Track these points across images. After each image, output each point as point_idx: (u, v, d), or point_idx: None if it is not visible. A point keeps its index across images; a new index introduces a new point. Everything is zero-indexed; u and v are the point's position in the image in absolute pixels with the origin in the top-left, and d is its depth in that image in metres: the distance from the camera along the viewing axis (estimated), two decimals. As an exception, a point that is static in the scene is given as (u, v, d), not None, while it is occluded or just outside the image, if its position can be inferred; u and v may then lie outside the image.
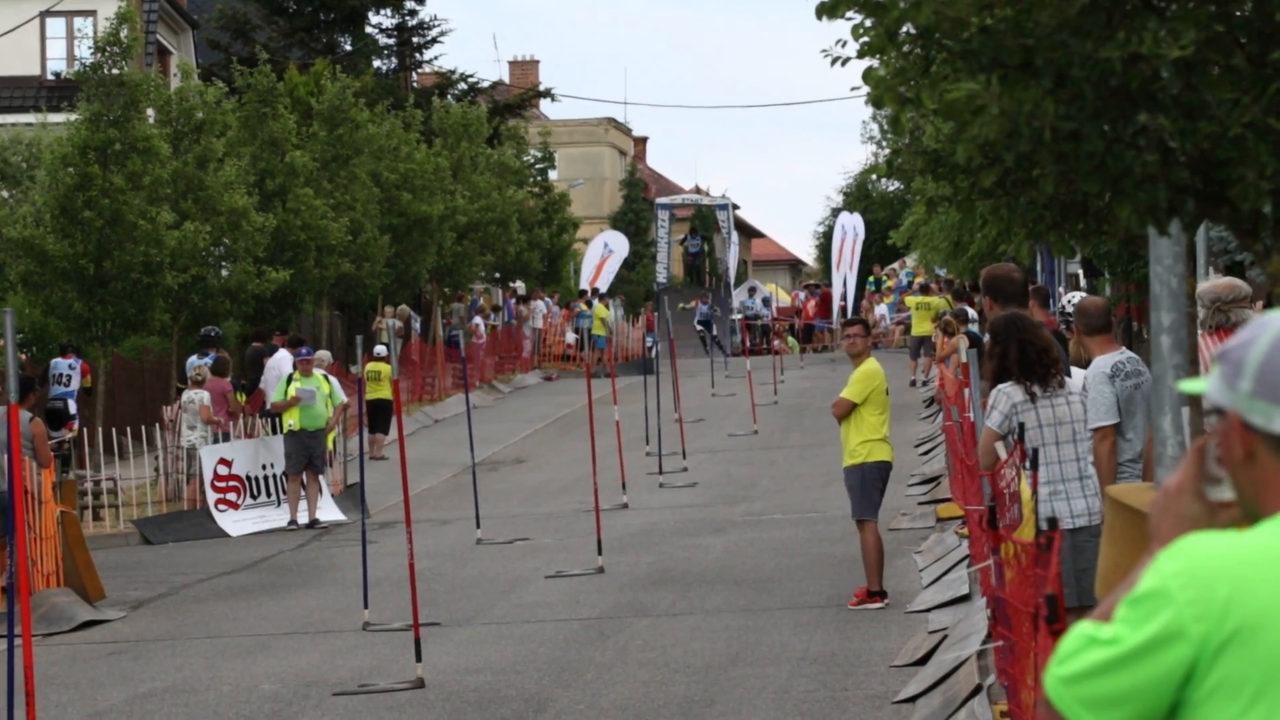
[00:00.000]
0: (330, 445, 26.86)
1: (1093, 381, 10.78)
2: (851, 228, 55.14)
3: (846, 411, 16.00)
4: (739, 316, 59.48)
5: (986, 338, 11.34)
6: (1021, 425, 10.48)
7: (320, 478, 25.98)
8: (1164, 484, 3.26)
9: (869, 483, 15.90)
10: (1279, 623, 3.04)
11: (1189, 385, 3.24)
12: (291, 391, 25.60)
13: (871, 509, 15.86)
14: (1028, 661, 7.94)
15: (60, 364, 29.13)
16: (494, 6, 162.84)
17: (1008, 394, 10.74)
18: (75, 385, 28.94)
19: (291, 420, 25.51)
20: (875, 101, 8.34)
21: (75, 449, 26.32)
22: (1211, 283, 12.08)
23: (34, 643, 14.16)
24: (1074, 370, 11.36)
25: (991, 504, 9.99)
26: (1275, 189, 7.07)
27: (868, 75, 8.34)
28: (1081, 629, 3.14)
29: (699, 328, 56.82)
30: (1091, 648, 3.09)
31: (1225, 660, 3.04)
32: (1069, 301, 20.18)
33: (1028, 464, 9.88)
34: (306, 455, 25.50)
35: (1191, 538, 3.11)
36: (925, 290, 47.83)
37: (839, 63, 8.99)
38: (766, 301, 62.27)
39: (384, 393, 32.18)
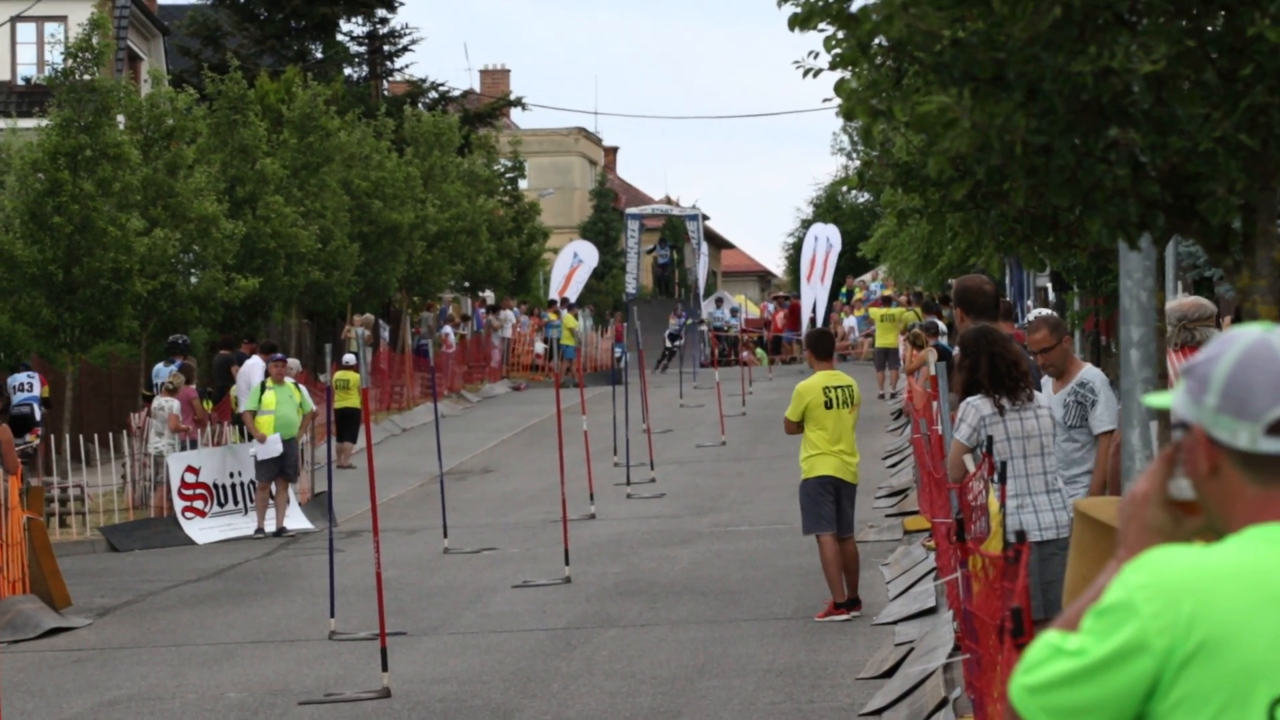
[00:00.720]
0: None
1: (1101, 386, 10.97)
2: (825, 239, 55.01)
3: (790, 430, 16.29)
4: (707, 328, 59.54)
5: (956, 350, 11.37)
6: (990, 438, 10.50)
7: (290, 486, 25.91)
8: (1130, 490, 3.27)
9: (812, 497, 15.98)
10: (1244, 638, 3.05)
11: (1155, 400, 3.26)
12: (268, 401, 25.51)
13: (821, 523, 15.87)
14: (994, 674, 7.95)
15: (18, 376, 29.06)
16: (465, 16, 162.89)
17: (976, 407, 10.77)
18: (36, 392, 28.88)
19: (267, 430, 25.37)
20: (847, 114, 8.34)
21: (36, 457, 26.19)
22: (1178, 301, 12.26)
23: (-2, 650, 14.10)
24: (1043, 384, 11.40)
25: (959, 517, 10.00)
26: (1245, 204, 7.09)
27: (840, 87, 8.35)
28: (1047, 638, 3.15)
29: (667, 342, 56.75)
30: (1057, 658, 3.10)
31: (1190, 675, 3.05)
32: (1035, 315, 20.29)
33: (995, 477, 9.90)
34: (279, 464, 25.42)
35: (1158, 551, 3.12)
36: (888, 302, 47.91)
37: (811, 74, 8.99)
38: (735, 312, 62.27)
39: (352, 401, 32.12)
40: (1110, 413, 10.85)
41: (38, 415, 28.02)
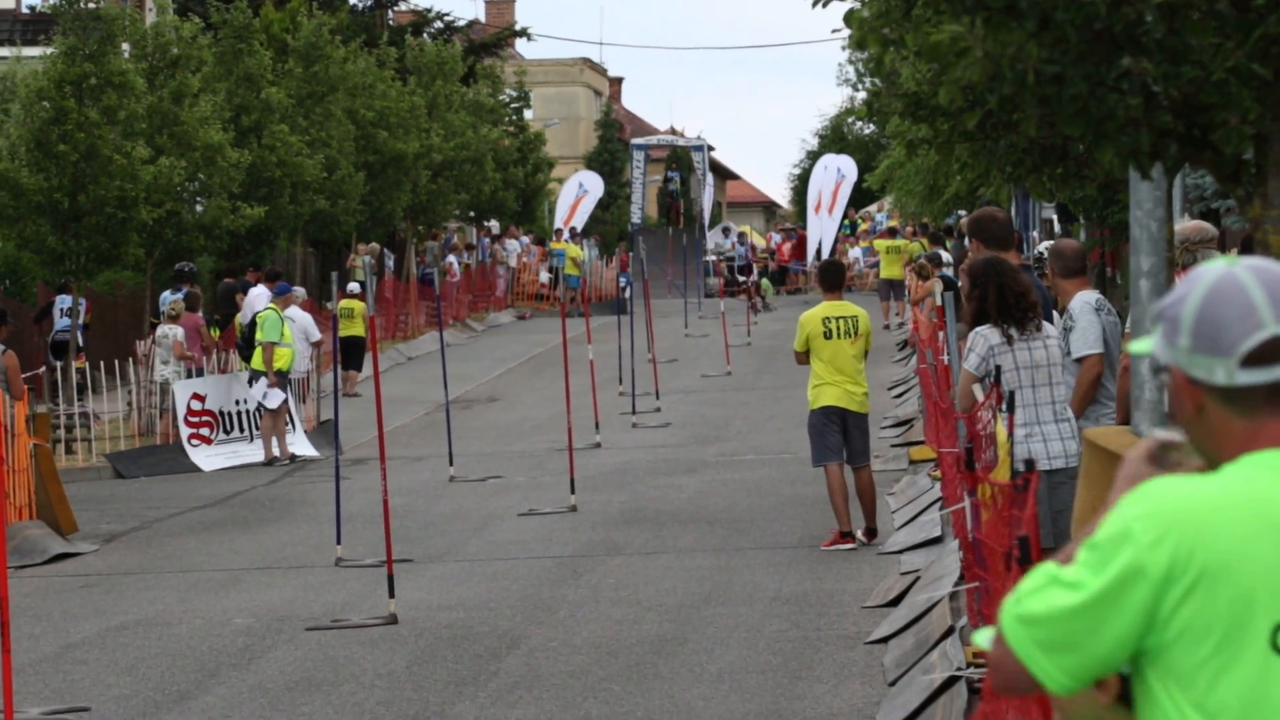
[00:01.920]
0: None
1: (1080, 312, 10.92)
2: (836, 169, 54.65)
3: (799, 360, 16.44)
4: (714, 258, 59.46)
5: (962, 281, 11.39)
6: (998, 368, 10.53)
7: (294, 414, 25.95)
8: (1128, 453, 3.27)
9: (815, 428, 16.11)
10: (1243, 565, 3.07)
11: (1137, 346, 3.26)
12: (287, 334, 25.50)
13: (827, 453, 15.96)
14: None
15: (65, 300, 29.26)
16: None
17: (985, 336, 10.79)
18: (82, 319, 29.30)
19: (280, 364, 25.37)
20: (858, 43, 8.33)
21: (72, 379, 26.24)
22: (1180, 225, 12.35)
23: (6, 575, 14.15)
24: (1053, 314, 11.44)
25: (969, 446, 10.03)
26: (1257, 134, 7.09)
27: (850, 17, 8.34)
28: (1044, 568, 3.15)
29: (740, 277, 56.04)
30: (1051, 588, 3.10)
31: (1190, 604, 3.06)
32: (1045, 249, 20.28)
33: (1004, 406, 9.92)
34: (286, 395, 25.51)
35: (1155, 482, 3.13)
36: (893, 233, 47.86)
37: (820, 4, 8.97)
38: (742, 238, 62.08)
39: (357, 330, 32.17)
40: (1086, 338, 10.85)
41: (81, 341, 28.45)
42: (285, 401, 25.46)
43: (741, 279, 53.58)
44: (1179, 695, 3.08)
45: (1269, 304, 3.08)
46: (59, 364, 26.96)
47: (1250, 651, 3.04)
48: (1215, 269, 3.14)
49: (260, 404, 25.35)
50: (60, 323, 29.12)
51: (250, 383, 25.54)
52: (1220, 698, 3.05)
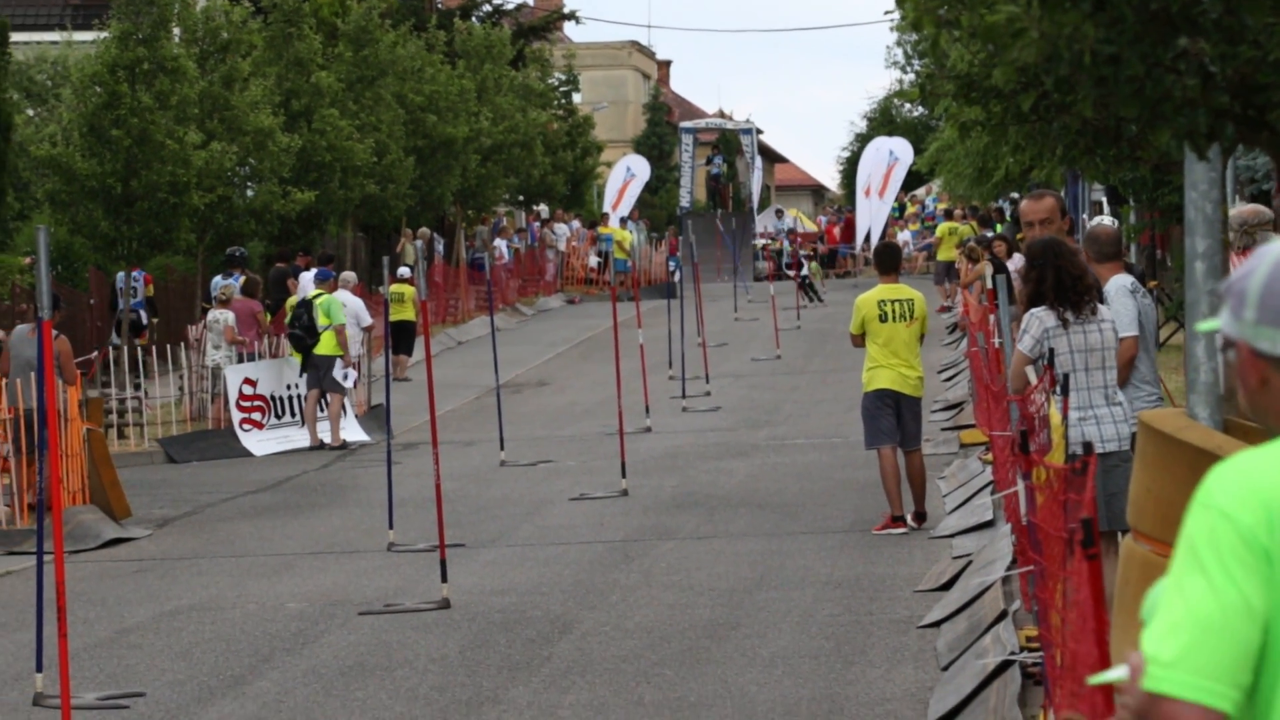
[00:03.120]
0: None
1: (1116, 295, 10.93)
2: (889, 151, 54.43)
3: (855, 343, 16.52)
4: (763, 243, 59.42)
5: (1015, 264, 11.36)
6: (1052, 350, 10.49)
7: (344, 398, 25.99)
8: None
9: (868, 411, 16.17)
10: None
11: (1205, 325, 3.36)
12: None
13: (880, 436, 16.01)
14: (1058, 585, 7.96)
15: (122, 277, 29.48)
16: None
17: (1040, 318, 10.75)
18: (142, 295, 29.52)
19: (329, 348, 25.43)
20: (913, 24, 8.31)
21: (125, 364, 26.41)
22: (1237, 209, 12.37)
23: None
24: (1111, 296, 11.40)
25: (1023, 429, 9.99)
26: (1317, 114, 7.05)
27: (903, -1, 8.32)
28: (1153, 616, 3.08)
29: (791, 273, 51.43)
30: (1176, 611, 3.04)
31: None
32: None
33: (1058, 389, 9.88)
34: (319, 377, 25.50)
35: (1221, 463, 3.13)
36: (949, 215, 47.79)
37: (872, -14, 8.96)
38: (791, 232, 61.89)
39: (407, 314, 32.25)
40: (1121, 320, 10.85)
41: (144, 319, 28.67)
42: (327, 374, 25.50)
43: (789, 273, 51.74)
44: None
45: None
46: (123, 343, 27.27)
47: None
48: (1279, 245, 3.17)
49: (325, 388, 25.35)
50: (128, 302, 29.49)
51: (301, 371, 25.58)
52: None
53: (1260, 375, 3.17)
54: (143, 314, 29.27)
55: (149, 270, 32.70)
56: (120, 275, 29.42)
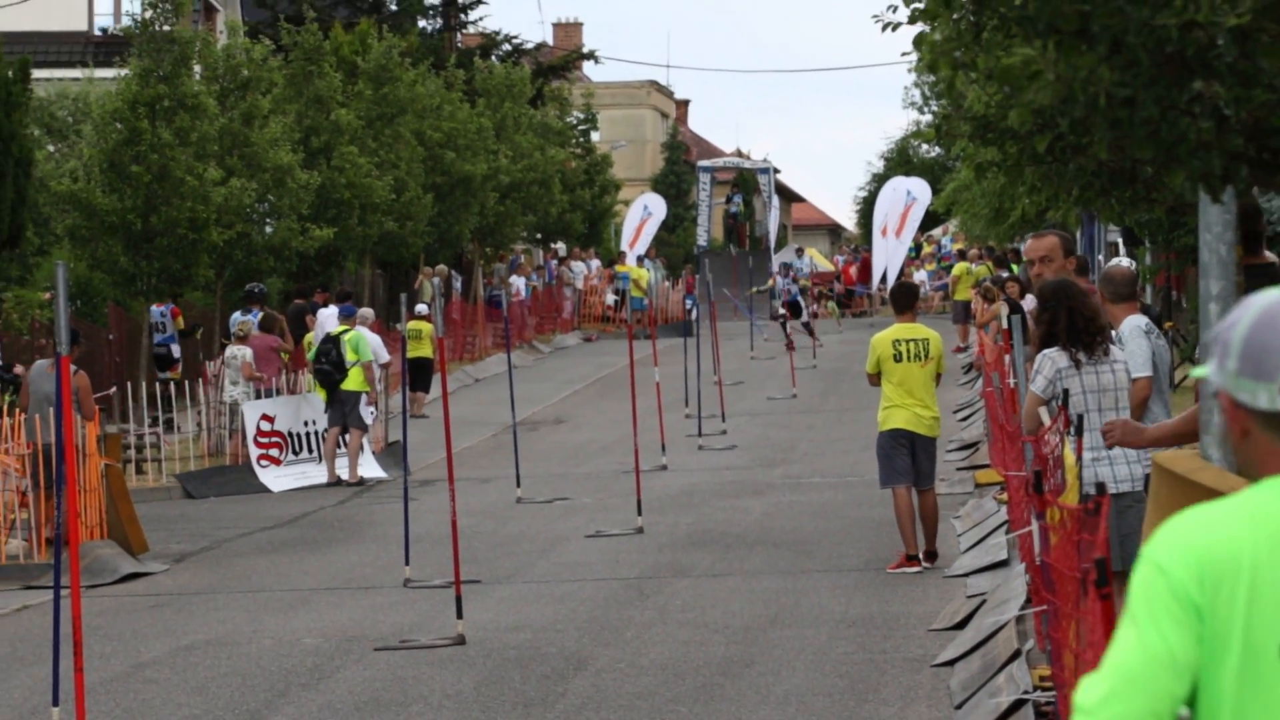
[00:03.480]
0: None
1: (1130, 335, 10.96)
2: (907, 192, 54.54)
3: (871, 382, 16.58)
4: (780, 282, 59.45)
5: (1029, 305, 11.40)
6: (1065, 391, 10.52)
7: (362, 435, 26.06)
8: None
9: (884, 450, 16.25)
10: (1252, 579, 3.10)
11: (1198, 371, 3.33)
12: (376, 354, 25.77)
13: (895, 476, 16.08)
14: (1071, 625, 7.99)
15: (154, 311, 29.67)
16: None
17: (1053, 359, 10.79)
18: (171, 330, 29.72)
19: (355, 384, 25.53)
20: (929, 66, 8.36)
21: (143, 400, 26.54)
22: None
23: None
24: (1125, 337, 11.43)
25: (1037, 470, 10.02)
26: (1329, 157, 7.08)
27: (920, 40, 8.37)
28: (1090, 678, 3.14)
29: (782, 311, 46.63)
30: (1109, 664, 3.11)
31: (1216, 616, 3.10)
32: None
33: (1071, 430, 9.91)
34: (343, 414, 25.60)
35: (1171, 519, 3.18)
36: (963, 256, 47.83)
37: (890, 28, 9.00)
38: (786, 269, 61.64)
39: (424, 351, 32.32)
40: (1135, 361, 10.89)
41: (175, 353, 28.80)
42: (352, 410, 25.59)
43: (781, 315, 45.28)
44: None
45: None
46: (159, 377, 27.57)
47: (1265, 665, 3.08)
48: (1269, 296, 3.17)
49: (347, 425, 25.43)
50: (157, 338, 29.69)
51: (326, 407, 25.64)
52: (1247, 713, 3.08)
53: (1241, 426, 3.18)
54: (173, 348, 29.38)
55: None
56: (154, 309, 29.64)
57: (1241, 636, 3.08)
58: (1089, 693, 3.10)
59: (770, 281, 51.02)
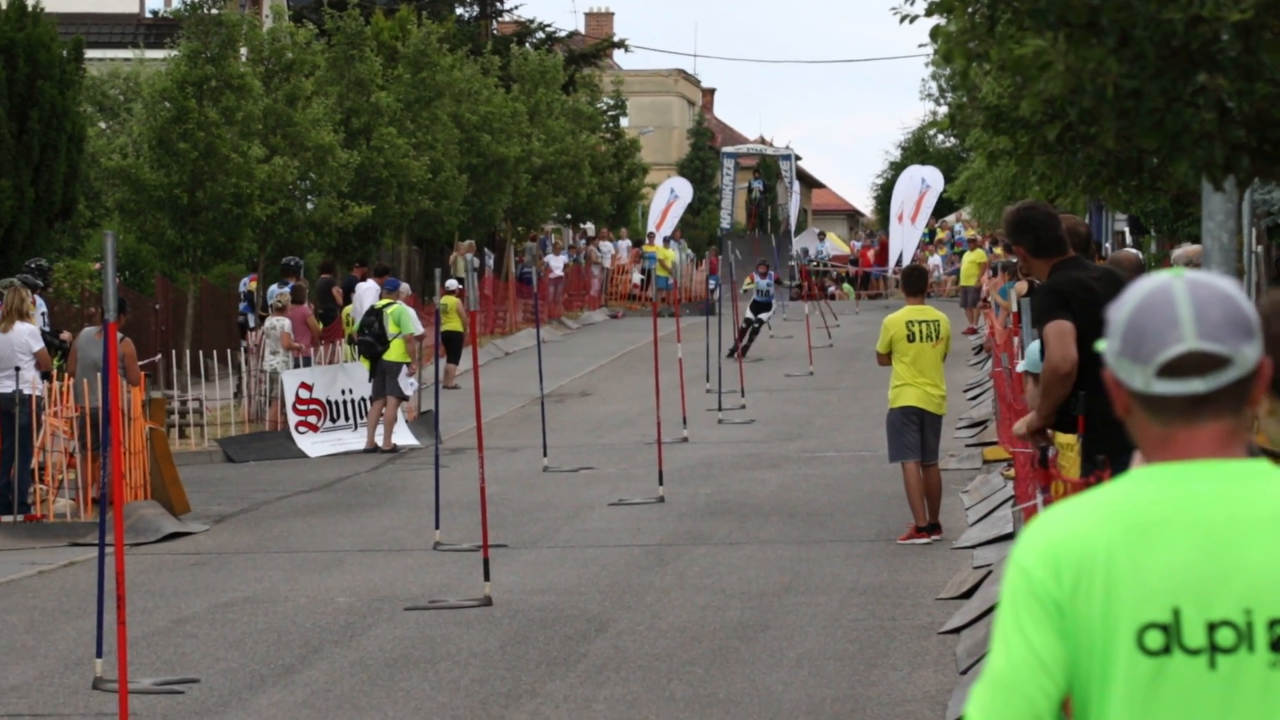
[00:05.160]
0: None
1: None
2: (922, 179, 54.91)
3: (881, 361, 16.77)
4: (797, 263, 59.80)
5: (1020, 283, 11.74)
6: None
7: (399, 405, 26.45)
8: None
9: (894, 426, 16.40)
10: (1109, 570, 3.11)
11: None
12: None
13: (905, 451, 16.25)
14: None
15: (273, 289, 30.40)
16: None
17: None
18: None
19: (395, 355, 25.99)
20: (944, 57, 8.68)
21: (186, 367, 27.10)
22: (1183, 248, 12.43)
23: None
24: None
25: (1043, 445, 10.40)
26: (1328, 149, 7.34)
27: (936, 32, 8.69)
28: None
29: (750, 314, 37.63)
30: (983, 676, 3.13)
31: (1076, 611, 3.11)
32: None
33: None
34: (384, 383, 26.07)
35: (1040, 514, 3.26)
36: (973, 244, 48.22)
37: (907, 20, 9.35)
38: (764, 269, 61.39)
39: (453, 325, 32.71)
40: None
41: (252, 322, 29.69)
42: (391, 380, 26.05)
43: (750, 317, 37.40)
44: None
45: (1194, 319, 3.10)
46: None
47: (1123, 655, 3.09)
48: (1156, 279, 3.19)
49: (386, 393, 25.87)
50: (243, 305, 30.75)
51: (370, 378, 26.09)
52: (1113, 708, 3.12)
53: (1124, 404, 3.21)
54: (250, 317, 29.86)
55: (212, 278, 33.45)
56: (244, 281, 30.35)
57: (1101, 629, 3.06)
58: (972, 703, 3.09)
59: (749, 280, 49.45)
